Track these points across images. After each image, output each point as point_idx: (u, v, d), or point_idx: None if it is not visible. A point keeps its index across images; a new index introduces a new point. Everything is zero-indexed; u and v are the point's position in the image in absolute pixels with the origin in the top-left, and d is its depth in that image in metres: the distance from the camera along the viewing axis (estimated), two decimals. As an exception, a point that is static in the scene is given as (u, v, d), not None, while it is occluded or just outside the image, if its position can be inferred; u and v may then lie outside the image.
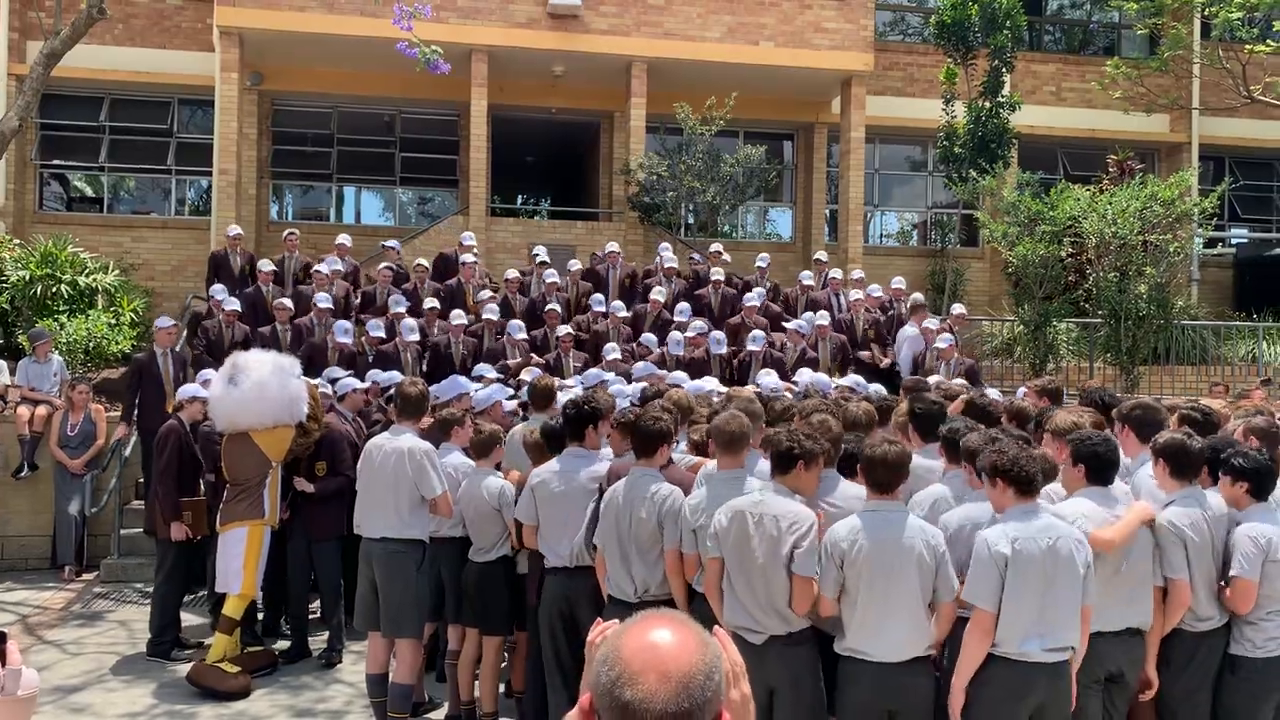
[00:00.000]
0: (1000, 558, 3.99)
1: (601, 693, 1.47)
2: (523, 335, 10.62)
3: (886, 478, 4.24)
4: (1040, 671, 4.02)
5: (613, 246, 13.16)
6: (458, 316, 10.81)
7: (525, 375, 8.92)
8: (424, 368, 10.21)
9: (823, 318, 11.14)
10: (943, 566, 4.14)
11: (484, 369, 9.25)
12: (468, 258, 12.24)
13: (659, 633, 1.50)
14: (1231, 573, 4.52)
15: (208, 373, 8.25)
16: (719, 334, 10.67)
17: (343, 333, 10.21)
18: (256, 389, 6.88)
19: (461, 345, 10.59)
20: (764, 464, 5.01)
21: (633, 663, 1.46)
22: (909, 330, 11.36)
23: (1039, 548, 4.01)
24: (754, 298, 11.62)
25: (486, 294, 11.48)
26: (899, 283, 12.89)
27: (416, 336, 10.40)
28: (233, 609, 6.89)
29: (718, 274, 12.36)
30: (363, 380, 8.71)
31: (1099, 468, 4.47)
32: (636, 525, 4.82)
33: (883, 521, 4.18)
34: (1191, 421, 5.34)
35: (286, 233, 12.93)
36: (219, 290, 11.17)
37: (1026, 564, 3.98)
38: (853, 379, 9.25)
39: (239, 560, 6.83)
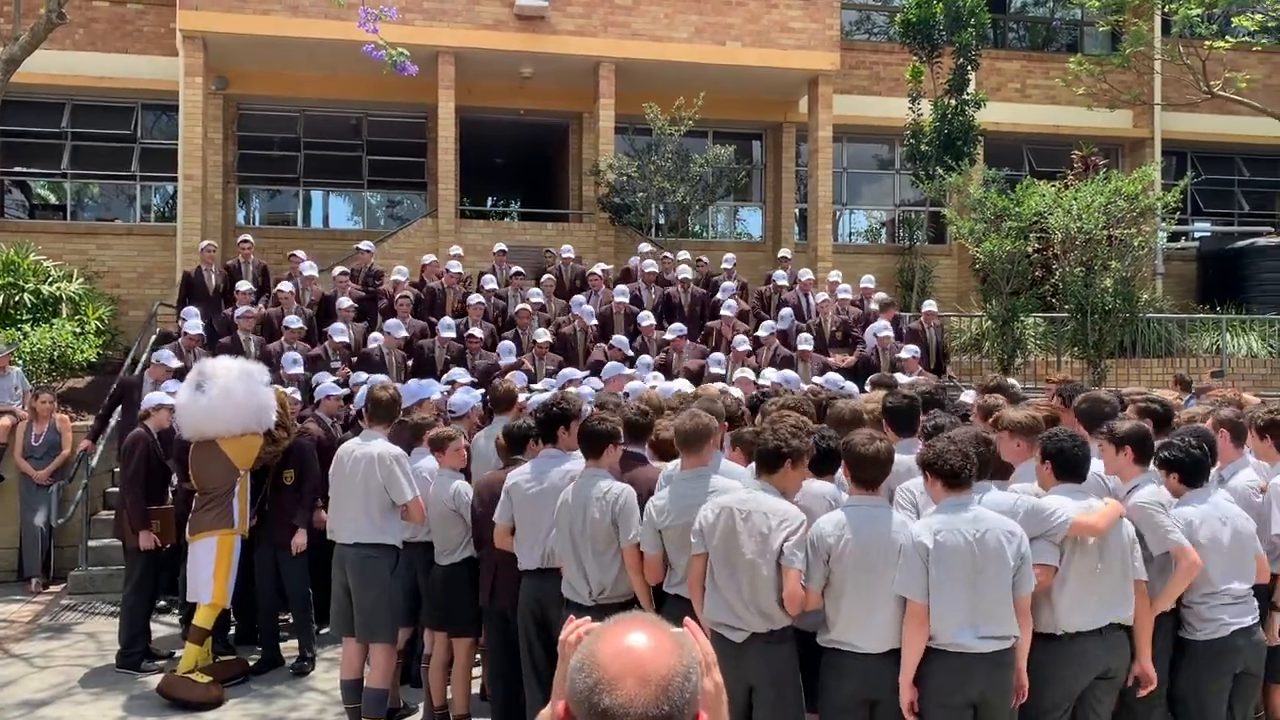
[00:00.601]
0: (922, 549, 4.08)
1: (579, 700, 1.46)
2: (513, 358, 10.34)
3: (873, 474, 4.28)
4: (978, 661, 4.07)
5: (568, 251, 13.29)
6: (446, 327, 10.71)
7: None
8: (406, 373, 10.14)
9: (805, 342, 10.71)
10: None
11: (458, 373, 9.21)
12: (454, 265, 12.28)
13: (635, 636, 1.48)
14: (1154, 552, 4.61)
15: (172, 383, 8.18)
16: (719, 356, 10.38)
17: (291, 363, 9.55)
18: (223, 396, 6.81)
19: (444, 350, 10.55)
20: (728, 463, 5.03)
21: (610, 668, 1.44)
22: (881, 326, 11.39)
23: (964, 539, 4.07)
24: (730, 308, 11.38)
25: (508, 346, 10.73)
26: (868, 281, 12.98)
27: (403, 333, 10.40)
28: (203, 619, 6.82)
29: (685, 272, 12.38)
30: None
31: (1065, 464, 4.49)
32: (590, 526, 4.82)
33: (867, 517, 4.23)
34: (1150, 414, 5.43)
35: (240, 239, 12.67)
36: (188, 312, 10.84)
37: (950, 555, 4.06)
38: (827, 377, 9.29)
39: (209, 570, 6.77)
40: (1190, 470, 4.76)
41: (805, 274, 13.28)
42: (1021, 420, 5.03)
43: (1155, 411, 5.49)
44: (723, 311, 11.34)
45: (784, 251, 14.25)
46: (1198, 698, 4.66)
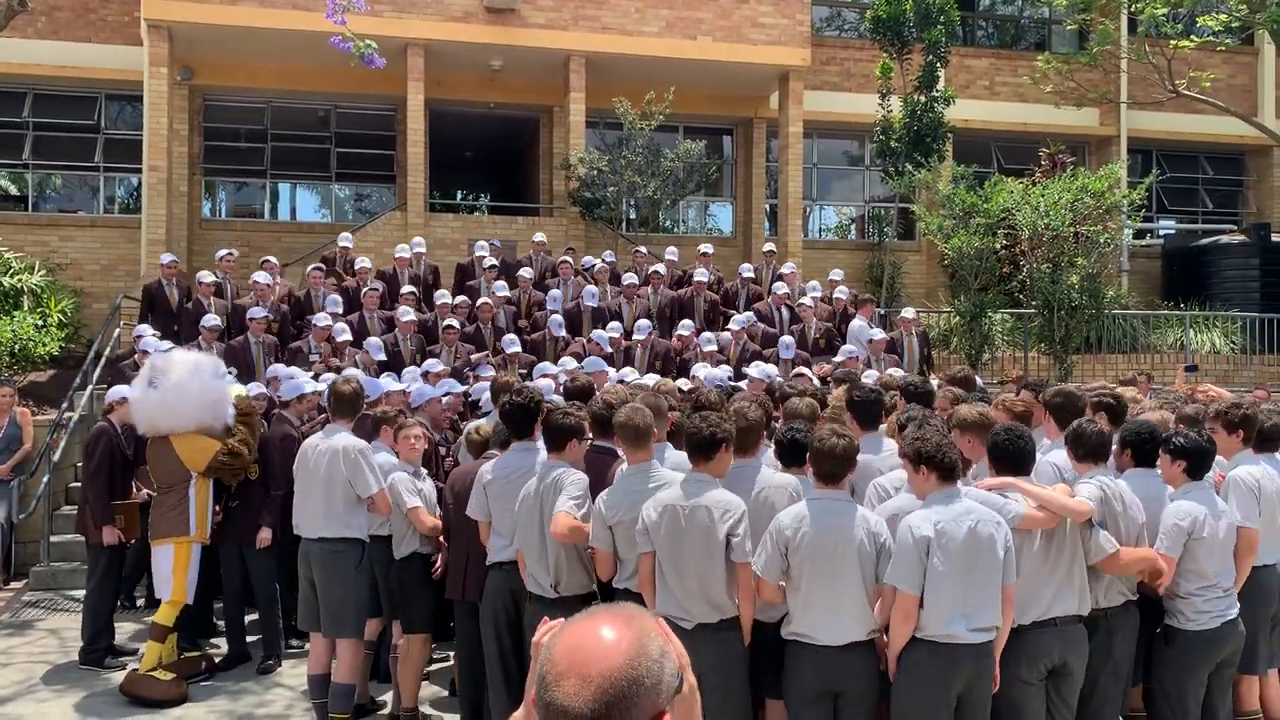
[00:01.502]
0: (923, 541, 4.08)
1: (537, 692, 1.45)
2: (517, 348, 10.28)
3: (834, 469, 4.29)
4: (967, 652, 4.11)
5: (539, 237, 13.32)
6: (405, 313, 10.66)
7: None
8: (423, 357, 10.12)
9: (787, 349, 10.59)
10: (884, 553, 4.22)
11: (432, 364, 9.16)
12: (403, 251, 12.30)
13: (592, 632, 1.45)
14: (1156, 548, 4.70)
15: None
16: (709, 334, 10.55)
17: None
18: (175, 391, 6.70)
19: (410, 341, 10.48)
20: (674, 454, 5.04)
21: (560, 663, 1.42)
22: (859, 325, 11.40)
23: (961, 530, 4.11)
24: (686, 325, 11.18)
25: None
26: (836, 274, 13.02)
27: (348, 337, 10.22)
28: (163, 616, 6.72)
29: (659, 269, 12.38)
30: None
31: (1004, 459, 4.52)
32: (548, 517, 4.81)
33: (826, 510, 4.25)
34: (1107, 408, 5.51)
35: (223, 254, 12.10)
36: (143, 329, 10.24)
37: (949, 546, 4.09)
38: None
39: (168, 568, 6.71)
40: (1197, 461, 4.82)
41: (789, 267, 13.34)
42: (970, 418, 5.05)
43: (1111, 406, 5.57)
44: (682, 329, 11.07)
45: (768, 246, 14.38)
46: (1181, 687, 4.73)
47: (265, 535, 7.17)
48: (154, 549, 6.81)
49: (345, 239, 12.98)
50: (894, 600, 4.17)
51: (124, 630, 7.95)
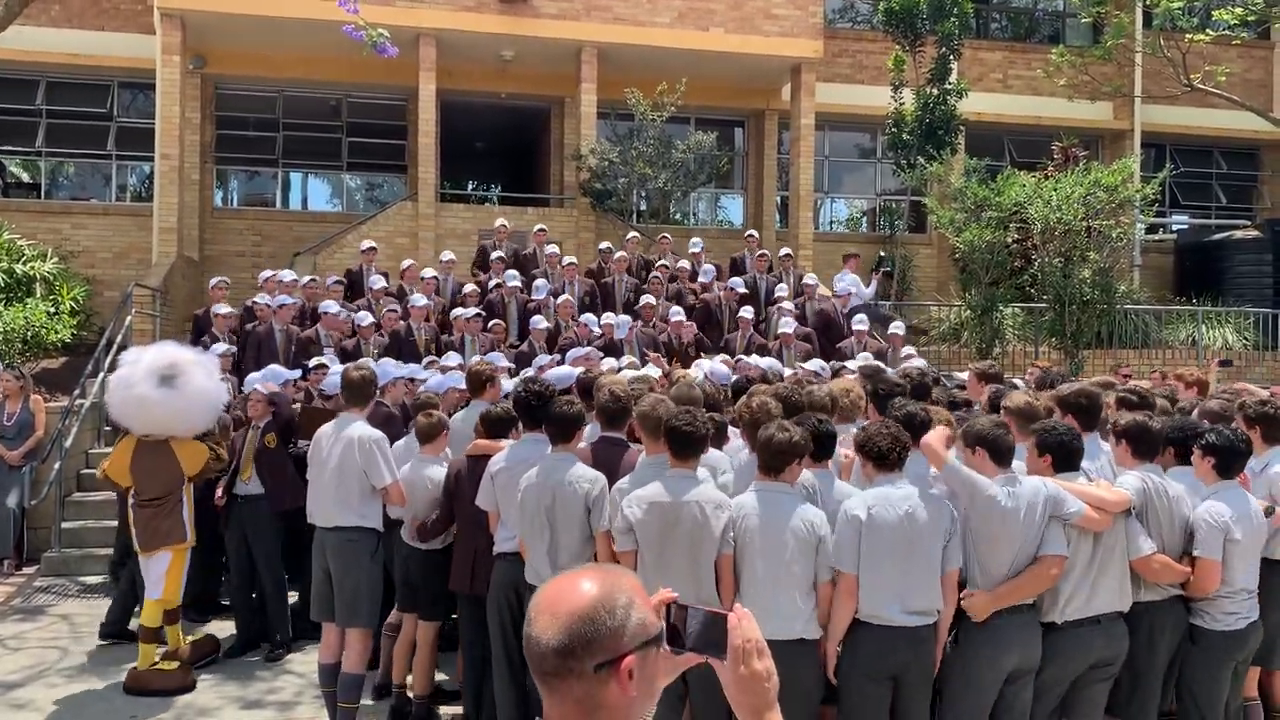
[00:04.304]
0: (855, 521, 4.23)
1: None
2: (546, 325, 10.62)
3: (774, 462, 4.33)
4: (901, 635, 4.20)
5: (539, 227, 13.41)
6: (418, 299, 10.72)
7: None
8: (438, 347, 10.25)
9: (786, 325, 10.85)
10: (823, 548, 4.27)
11: (453, 357, 9.18)
12: (428, 271, 12.14)
13: (574, 580, 1.68)
14: (1195, 552, 4.61)
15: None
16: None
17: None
18: (198, 395, 6.63)
19: (424, 331, 10.51)
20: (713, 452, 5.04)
21: (540, 603, 1.67)
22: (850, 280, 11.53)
23: (896, 514, 4.21)
24: (677, 312, 11.27)
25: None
26: (811, 279, 12.73)
27: (423, 302, 10.50)
28: (149, 617, 6.65)
29: (665, 263, 12.49)
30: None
31: (1065, 456, 4.53)
32: (562, 511, 4.79)
33: (770, 502, 4.30)
34: (1128, 404, 5.46)
35: (215, 281, 11.44)
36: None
37: (881, 529, 4.20)
38: (816, 363, 9.33)
39: (161, 569, 6.65)
40: (1228, 459, 4.73)
41: (785, 251, 13.42)
42: (1019, 406, 5.10)
43: (1132, 402, 5.53)
44: (671, 316, 11.15)
45: (750, 232, 14.54)
46: (1207, 686, 4.72)
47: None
48: (144, 560, 6.70)
49: (368, 244, 12.67)
50: (828, 594, 4.26)
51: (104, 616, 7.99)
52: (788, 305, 11.76)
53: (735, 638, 1.76)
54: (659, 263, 12.54)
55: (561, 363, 9.36)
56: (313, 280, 11.88)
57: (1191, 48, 16.56)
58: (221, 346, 9.45)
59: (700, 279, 12.71)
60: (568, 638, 1.61)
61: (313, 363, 8.81)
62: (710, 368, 8.99)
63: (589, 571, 1.70)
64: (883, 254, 17.00)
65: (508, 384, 7.09)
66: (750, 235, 14.30)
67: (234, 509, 7.39)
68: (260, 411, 7.40)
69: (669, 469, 4.48)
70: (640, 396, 5.10)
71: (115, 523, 8.77)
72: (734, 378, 7.92)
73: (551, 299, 11.53)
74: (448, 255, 12.80)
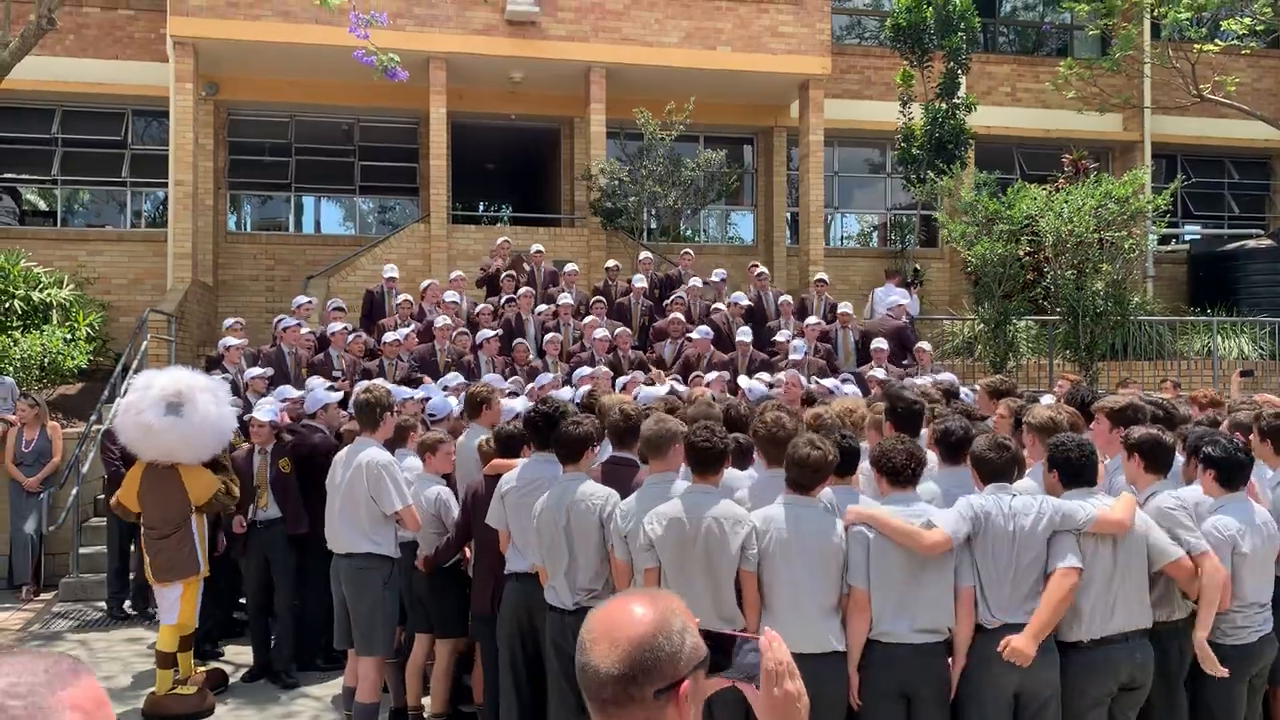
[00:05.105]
0: (863, 539, 4.27)
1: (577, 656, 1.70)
2: (604, 333, 10.74)
3: (805, 479, 4.32)
4: (910, 653, 4.19)
5: (537, 247, 13.40)
6: (440, 320, 10.80)
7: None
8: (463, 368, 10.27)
9: (797, 350, 10.79)
10: (846, 561, 4.29)
11: (450, 379, 9.22)
12: (450, 294, 11.97)
13: (626, 605, 1.69)
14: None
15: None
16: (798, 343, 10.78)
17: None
18: (203, 423, 6.57)
19: (446, 352, 10.57)
20: (733, 473, 5.03)
21: (594, 630, 1.67)
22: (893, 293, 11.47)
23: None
24: (704, 331, 11.19)
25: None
26: (846, 307, 12.61)
27: (443, 320, 10.64)
28: (166, 643, 6.66)
29: (696, 281, 12.56)
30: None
31: (1074, 473, 4.48)
32: (578, 531, 4.78)
33: (795, 517, 4.30)
34: (1153, 418, 5.41)
35: (230, 322, 11.13)
36: (314, 381, 9.27)
37: (889, 547, 4.22)
38: (831, 382, 9.31)
39: (174, 596, 6.66)
40: (1229, 470, 4.68)
41: (820, 276, 13.43)
42: (1039, 421, 5.11)
43: (1158, 416, 5.50)
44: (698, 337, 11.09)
45: (759, 270, 14.20)
46: (1224, 702, 4.65)
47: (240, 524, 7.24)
48: (159, 590, 6.73)
49: (390, 271, 12.62)
50: (850, 601, 4.29)
51: (120, 641, 8.01)
52: (815, 326, 11.55)
53: (768, 661, 1.80)
54: (690, 282, 12.56)
55: (568, 380, 9.38)
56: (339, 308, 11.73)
57: (1200, 58, 16.56)
58: (256, 370, 9.37)
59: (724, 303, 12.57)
60: (629, 665, 1.62)
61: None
62: (748, 385, 8.97)
63: (639, 596, 1.72)
64: (918, 268, 17.13)
65: (516, 404, 7.09)
66: (755, 268, 13.91)
67: (253, 535, 7.39)
68: (265, 437, 7.42)
69: (691, 485, 4.48)
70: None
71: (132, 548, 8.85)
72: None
73: (564, 313, 11.66)
74: (456, 273, 12.82)
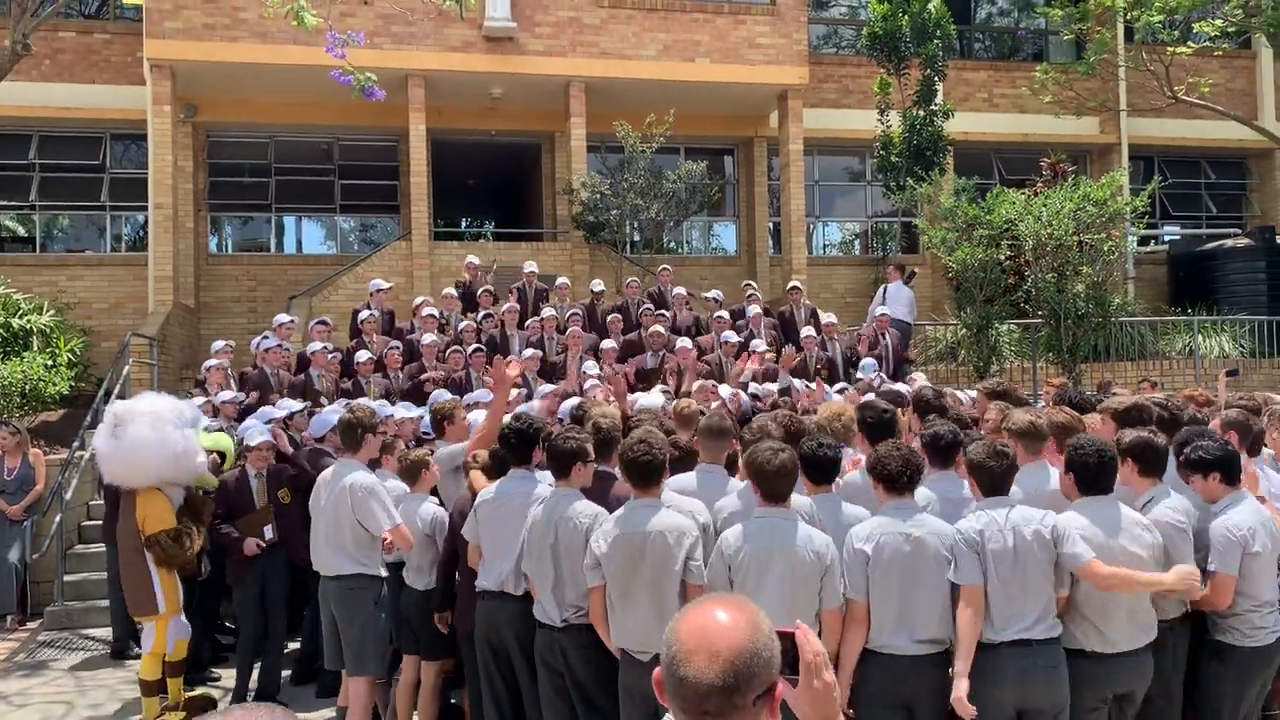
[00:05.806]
0: (861, 555, 4.21)
1: (664, 669, 1.67)
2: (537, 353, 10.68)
3: (771, 487, 4.26)
4: (908, 664, 4.16)
5: (530, 266, 13.33)
6: (427, 338, 10.77)
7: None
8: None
9: (865, 371, 10.74)
10: (829, 574, 4.17)
11: (481, 394, 9.16)
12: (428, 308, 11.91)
13: (711, 614, 1.68)
14: (1210, 567, 4.50)
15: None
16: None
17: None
18: (134, 444, 6.49)
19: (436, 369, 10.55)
20: (734, 483, 5.02)
21: (688, 642, 1.65)
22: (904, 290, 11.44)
23: (900, 543, 4.19)
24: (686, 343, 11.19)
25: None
26: (829, 318, 12.57)
27: (430, 338, 10.58)
28: (147, 670, 6.59)
29: (680, 290, 12.60)
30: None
31: (1089, 478, 4.43)
32: (565, 548, 4.74)
33: (769, 528, 4.22)
34: (1159, 420, 5.43)
35: (219, 345, 10.77)
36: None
37: (888, 560, 4.18)
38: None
39: (149, 628, 6.63)
40: (1227, 466, 4.66)
41: (793, 283, 13.38)
42: (1021, 426, 5.03)
43: (1163, 418, 5.51)
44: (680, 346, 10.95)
45: (750, 290, 14.08)
46: (1234, 702, 4.61)
47: (249, 546, 7.08)
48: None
49: (377, 284, 12.35)
50: (834, 621, 4.21)
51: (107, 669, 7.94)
52: (810, 335, 11.59)
53: (806, 653, 1.81)
54: (675, 290, 12.62)
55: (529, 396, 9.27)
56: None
57: (1174, 60, 16.69)
58: (226, 395, 9.22)
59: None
60: (733, 675, 1.61)
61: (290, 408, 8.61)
62: (728, 394, 8.96)
63: (719, 603, 1.71)
64: (915, 270, 17.08)
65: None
66: (748, 286, 13.89)
67: (256, 560, 7.22)
68: (264, 460, 7.36)
69: (632, 500, 4.45)
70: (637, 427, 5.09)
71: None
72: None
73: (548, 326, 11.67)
74: (449, 290, 12.75)
